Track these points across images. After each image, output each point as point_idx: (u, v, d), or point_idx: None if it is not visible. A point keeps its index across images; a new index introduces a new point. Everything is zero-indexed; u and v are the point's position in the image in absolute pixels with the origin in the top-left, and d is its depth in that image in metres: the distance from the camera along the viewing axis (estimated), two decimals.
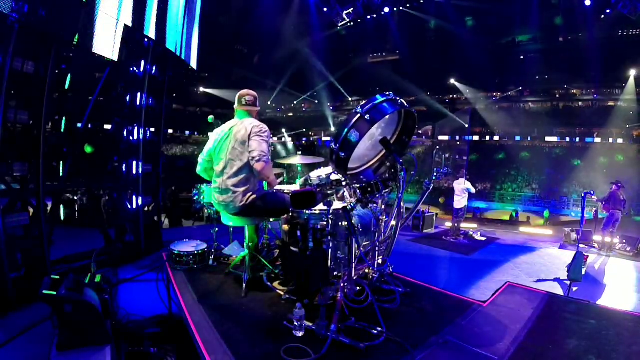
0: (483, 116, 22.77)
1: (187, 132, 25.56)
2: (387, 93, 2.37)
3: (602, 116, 20.55)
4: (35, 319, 3.70)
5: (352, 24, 18.18)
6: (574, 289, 5.17)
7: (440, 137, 23.03)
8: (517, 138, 23.03)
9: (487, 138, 23.41)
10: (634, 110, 19.09)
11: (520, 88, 22.59)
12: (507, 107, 23.31)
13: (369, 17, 17.76)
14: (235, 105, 3.00)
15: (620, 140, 19.89)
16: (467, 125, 22.90)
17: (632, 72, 18.52)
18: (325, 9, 16.99)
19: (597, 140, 20.72)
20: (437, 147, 22.33)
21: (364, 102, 2.36)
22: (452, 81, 22.79)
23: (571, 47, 20.46)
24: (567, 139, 21.70)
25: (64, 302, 2.08)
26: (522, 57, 22.03)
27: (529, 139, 22.86)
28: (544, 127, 22.11)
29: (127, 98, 6.20)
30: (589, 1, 14.28)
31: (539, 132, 22.44)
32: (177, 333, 3.15)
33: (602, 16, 17.63)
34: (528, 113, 23.02)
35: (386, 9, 17.25)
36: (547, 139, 22.21)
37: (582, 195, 5.62)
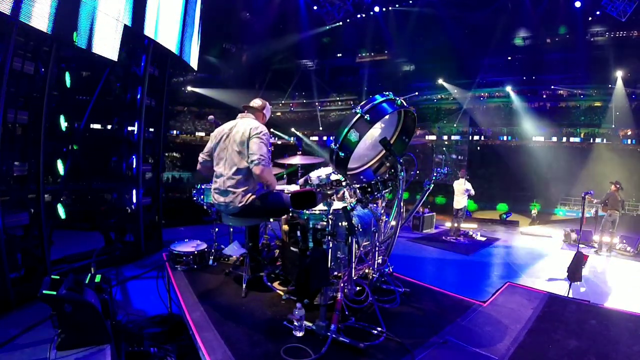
0: (471, 116, 22.95)
1: (174, 132, 25.31)
2: (387, 93, 2.37)
3: (589, 116, 20.84)
4: (35, 319, 3.70)
5: (340, 23, 18.16)
6: (575, 288, 5.17)
7: (428, 137, 23.06)
8: (504, 137, 23.34)
9: (476, 138, 23.54)
10: (620, 110, 19.36)
11: (508, 88, 22.82)
12: (495, 106, 23.52)
13: (358, 15, 17.78)
14: (245, 105, 3.06)
15: (606, 140, 20.21)
16: (454, 125, 23.01)
17: (619, 74, 18.78)
18: (315, 7, 16.97)
19: (584, 140, 21.06)
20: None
21: (363, 102, 2.36)
22: (440, 81, 22.86)
23: (558, 48, 20.63)
24: (554, 139, 22.01)
25: (64, 302, 2.08)
26: (509, 58, 22.28)
27: (516, 138, 23.17)
28: (530, 126, 22.45)
29: (127, 97, 6.21)
30: (579, 3, 14.35)
31: (526, 132, 22.78)
32: (177, 333, 3.16)
33: (590, 18, 17.87)
34: (515, 113, 23.26)
35: (376, 8, 17.24)
36: (534, 138, 22.52)
37: (582, 195, 5.62)
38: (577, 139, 21.42)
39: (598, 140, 20.42)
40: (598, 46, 19.21)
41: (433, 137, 23.09)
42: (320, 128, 25.53)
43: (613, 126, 19.71)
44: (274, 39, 21.16)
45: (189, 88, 22.96)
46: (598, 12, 15.65)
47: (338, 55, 24.98)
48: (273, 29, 20.46)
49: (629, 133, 19.50)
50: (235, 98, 20.56)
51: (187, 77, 22.08)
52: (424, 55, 22.73)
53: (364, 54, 25.33)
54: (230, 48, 22.20)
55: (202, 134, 24.39)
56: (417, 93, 23.30)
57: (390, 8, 18.37)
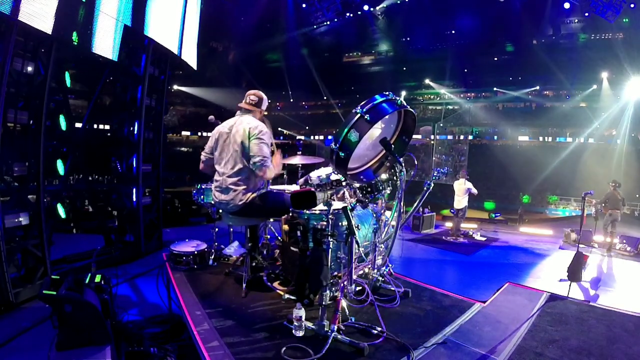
0: (458, 116, 23.10)
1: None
2: (387, 93, 2.37)
3: (575, 117, 21.10)
4: (35, 319, 3.71)
5: (328, 23, 18.12)
6: (575, 288, 5.17)
7: (415, 136, 23.11)
8: (491, 137, 23.49)
9: (462, 137, 23.66)
10: (605, 111, 19.62)
11: (495, 88, 22.93)
12: (481, 107, 23.67)
13: (348, 15, 17.75)
14: (241, 103, 2.99)
15: (591, 140, 20.43)
16: (441, 125, 23.09)
17: (605, 75, 19.04)
18: (304, 5, 16.90)
19: (569, 140, 21.27)
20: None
21: (363, 102, 2.36)
22: (427, 81, 22.96)
23: (545, 49, 20.75)
24: (540, 139, 22.17)
25: (64, 302, 2.08)
26: (495, 59, 22.42)
27: (503, 138, 23.33)
28: (517, 126, 22.61)
29: (127, 97, 6.21)
30: (568, 4, 14.40)
31: (512, 132, 22.91)
32: (177, 333, 3.16)
33: (576, 20, 18.07)
34: (501, 113, 23.39)
35: (365, 7, 17.19)
36: (520, 138, 22.69)
37: (582, 195, 5.61)
38: (562, 139, 21.70)
39: (583, 140, 20.71)
40: (585, 48, 19.45)
41: (419, 136, 23.14)
42: (307, 127, 25.50)
43: (598, 126, 20.00)
44: (261, 37, 21.08)
45: (175, 87, 22.74)
46: (587, 14, 15.76)
47: (325, 54, 24.91)
48: (260, 27, 20.37)
49: (614, 133, 19.79)
50: (222, 97, 20.54)
51: (173, 75, 21.94)
52: (412, 55, 22.81)
53: (352, 54, 25.28)
54: (217, 47, 22.07)
55: (188, 132, 24.21)
56: (403, 92, 23.40)
57: (377, 7, 18.34)
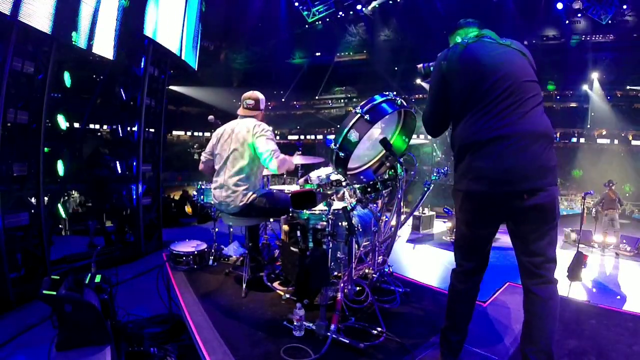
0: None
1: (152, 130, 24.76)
2: (387, 93, 2.38)
3: (566, 117, 21.24)
4: (35, 319, 3.71)
5: (320, 22, 18.11)
6: (575, 288, 5.17)
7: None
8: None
9: None
10: (596, 111, 19.90)
11: None
12: None
13: (340, 14, 17.77)
14: (239, 110, 2.99)
15: (582, 140, 20.65)
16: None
17: (595, 76, 19.39)
18: (297, 3, 16.93)
19: (560, 139, 21.45)
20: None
21: (363, 102, 2.36)
22: (418, 81, 22.93)
23: (537, 50, 20.84)
24: None
25: (64, 302, 2.08)
26: None
27: None
28: None
29: (127, 97, 6.21)
30: (561, 5, 14.40)
31: None
32: (177, 333, 3.16)
33: (567, 21, 18.17)
34: None
35: (358, 7, 17.22)
36: None
37: (583, 195, 5.62)
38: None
39: (574, 140, 20.98)
40: (576, 48, 19.63)
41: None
42: (298, 127, 25.46)
43: (589, 126, 20.28)
44: (253, 37, 21.01)
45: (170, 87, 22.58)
46: (580, 15, 15.83)
47: (317, 54, 24.83)
48: (252, 26, 20.32)
49: (604, 133, 20.02)
50: (213, 96, 20.54)
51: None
52: (403, 54, 22.77)
53: (343, 53, 25.18)
54: (208, 46, 22.00)
55: (181, 132, 24.16)
56: (394, 92, 23.41)
57: (370, 7, 18.33)
